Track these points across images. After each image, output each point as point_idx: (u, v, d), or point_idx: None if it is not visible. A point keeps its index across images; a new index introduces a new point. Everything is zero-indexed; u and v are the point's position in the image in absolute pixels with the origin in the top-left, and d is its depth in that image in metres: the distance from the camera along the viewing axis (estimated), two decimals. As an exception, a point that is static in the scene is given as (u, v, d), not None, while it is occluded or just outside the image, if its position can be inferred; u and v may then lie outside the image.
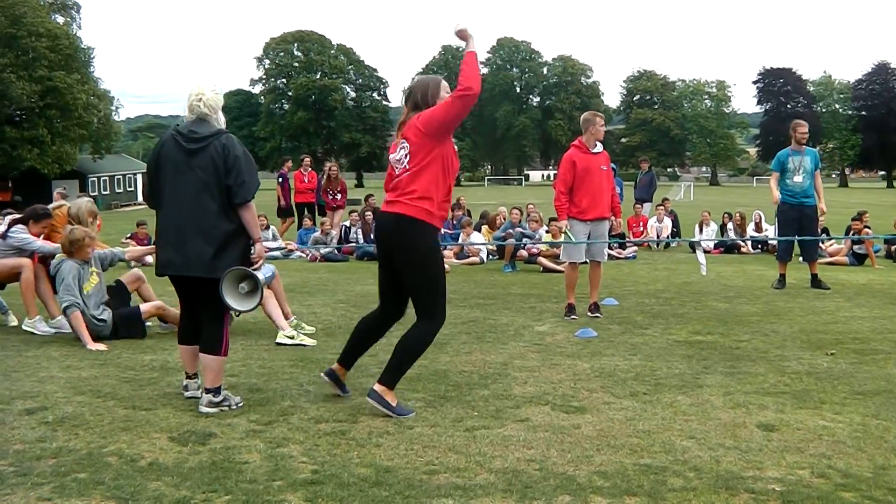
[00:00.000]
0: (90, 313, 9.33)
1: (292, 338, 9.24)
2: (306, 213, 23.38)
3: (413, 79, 6.78)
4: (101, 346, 8.96)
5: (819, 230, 14.84)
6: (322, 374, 6.98)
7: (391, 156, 6.69)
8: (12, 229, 10.23)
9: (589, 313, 11.00)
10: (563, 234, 11.18)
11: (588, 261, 11.16)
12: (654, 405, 6.73)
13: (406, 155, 6.49)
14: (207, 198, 6.32)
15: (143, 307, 9.78)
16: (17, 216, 10.74)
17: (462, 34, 6.59)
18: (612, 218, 11.23)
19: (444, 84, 7.10)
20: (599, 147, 11.18)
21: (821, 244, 20.12)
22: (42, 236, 10.35)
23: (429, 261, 6.46)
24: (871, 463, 5.40)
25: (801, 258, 15.36)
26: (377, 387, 6.47)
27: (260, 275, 6.46)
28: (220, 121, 6.58)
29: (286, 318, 9.78)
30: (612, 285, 14.42)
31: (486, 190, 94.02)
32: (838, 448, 5.71)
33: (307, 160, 24.29)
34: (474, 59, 6.51)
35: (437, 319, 6.58)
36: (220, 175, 6.29)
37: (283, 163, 25.78)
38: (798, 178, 13.97)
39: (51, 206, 11.16)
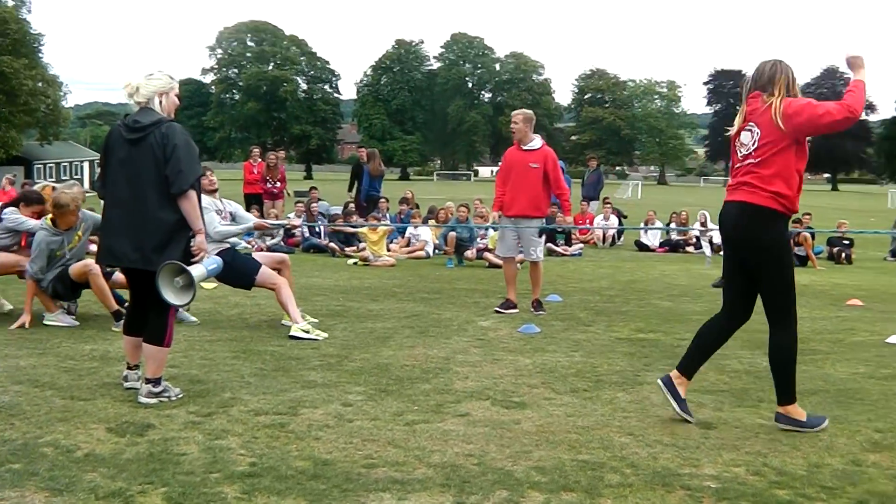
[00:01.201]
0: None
1: (308, 332, 9.14)
2: (255, 204, 23.22)
3: (764, 61, 6.45)
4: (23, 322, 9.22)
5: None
6: (659, 381, 6.58)
7: (738, 141, 6.38)
8: (4, 211, 10.19)
9: (532, 310, 11.04)
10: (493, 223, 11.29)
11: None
12: (594, 402, 6.78)
13: (754, 141, 6.18)
14: (148, 188, 6.28)
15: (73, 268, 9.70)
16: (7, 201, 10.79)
17: (856, 62, 6.29)
18: (562, 216, 11.27)
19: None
20: (535, 144, 11.24)
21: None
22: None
23: (782, 257, 6.26)
24: (806, 461, 5.47)
25: None
26: (780, 409, 6.28)
27: (195, 270, 6.40)
28: (164, 104, 6.52)
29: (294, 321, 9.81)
30: (557, 282, 14.49)
31: (435, 185, 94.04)
32: (774, 446, 5.78)
33: (256, 150, 24.08)
34: (864, 88, 6.16)
35: (790, 325, 6.41)
36: (159, 165, 6.25)
37: (249, 153, 25.48)
38: None
39: (38, 185, 11.20)
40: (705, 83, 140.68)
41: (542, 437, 5.78)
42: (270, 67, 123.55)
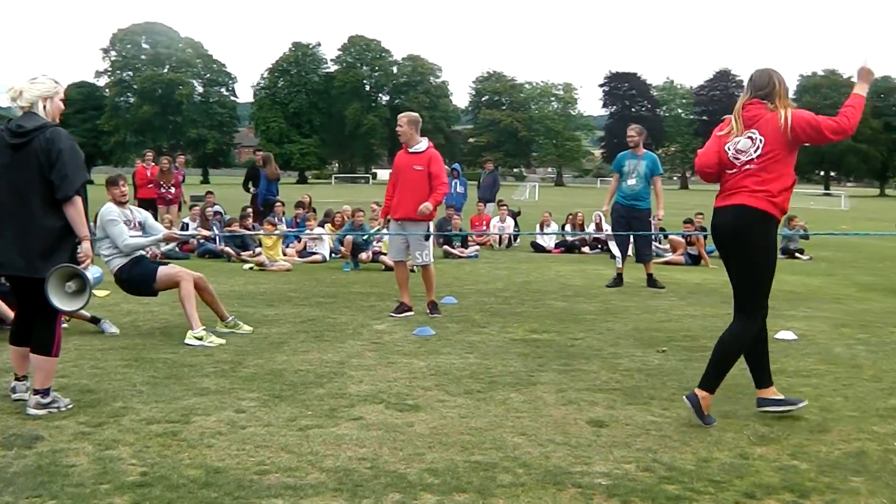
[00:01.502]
0: None
1: (201, 339, 9.06)
2: (148, 209, 22.90)
3: (761, 70, 6.56)
4: None
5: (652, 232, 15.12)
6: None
7: (731, 145, 6.53)
8: None
9: (427, 312, 11.07)
10: (378, 228, 11.29)
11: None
12: (488, 402, 6.82)
13: (757, 148, 6.37)
14: (32, 194, 6.17)
15: None
16: None
17: (867, 76, 6.41)
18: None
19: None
20: (420, 147, 11.23)
21: (657, 244, 20.62)
22: None
23: (768, 256, 6.60)
24: (695, 456, 5.58)
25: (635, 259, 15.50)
26: (698, 391, 6.41)
27: (88, 274, 6.31)
28: (48, 109, 6.41)
29: (222, 318, 9.82)
30: (453, 284, 14.54)
31: (333, 188, 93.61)
32: (664, 442, 5.88)
33: (150, 154, 23.74)
34: (863, 104, 6.31)
35: (758, 319, 6.69)
36: (44, 170, 6.14)
37: (143, 157, 24.96)
38: (631, 181, 14.23)
39: None
40: (601, 85, 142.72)
41: (435, 440, 5.81)
42: (166, 70, 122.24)
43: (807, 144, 6.55)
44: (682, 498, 4.82)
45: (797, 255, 21.65)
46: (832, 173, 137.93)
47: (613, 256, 14.79)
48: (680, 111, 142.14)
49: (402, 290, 11.28)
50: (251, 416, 6.32)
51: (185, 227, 20.74)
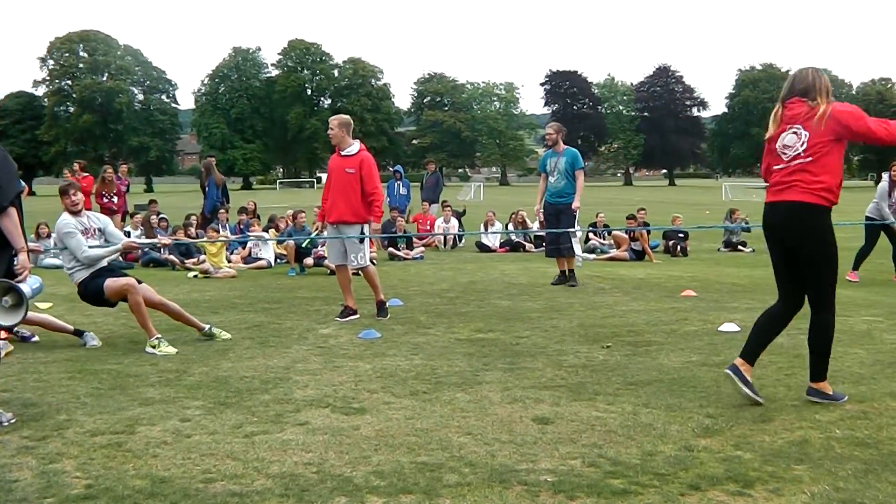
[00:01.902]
0: None
1: (154, 347, 9.02)
2: None
3: (801, 69, 6.83)
4: None
5: (576, 227, 15.10)
6: (727, 370, 6.85)
7: (779, 142, 6.79)
8: None
9: (375, 314, 11.08)
10: (316, 233, 11.23)
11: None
12: (434, 403, 6.83)
13: (803, 143, 6.59)
14: None
15: None
16: None
17: None
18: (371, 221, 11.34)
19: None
20: (352, 149, 11.31)
21: (601, 240, 20.77)
22: None
23: (833, 247, 6.76)
24: (640, 450, 5.62)
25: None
26: (813, 385, 6.86)
27: (26, 287, 6.25)
28: None
29: (199, 329, 9.76)
30: (398, 286, 14.54)
31: (278, 193, 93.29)
32: (609, 437, 5.92)
33: (78, 165, 23.52)
34: None
35: (833, 306, 6.87)
36: None
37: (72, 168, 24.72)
38: (553, 179, 14.47)
39: None
40: (542, 84, 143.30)
41: (381, 442, 5.81)
42: (105, 78, 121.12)
43: (858, 141, 6.75)
44: (628, 492, 4.85)
45: (740, 247, 21.88)
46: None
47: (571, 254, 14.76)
48: (621, 108, 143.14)
49: (345, 293, 11.26)
50: (196, 425, 6.28)
51: (127, 235, 20.55)
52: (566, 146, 14.59)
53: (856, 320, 10.62)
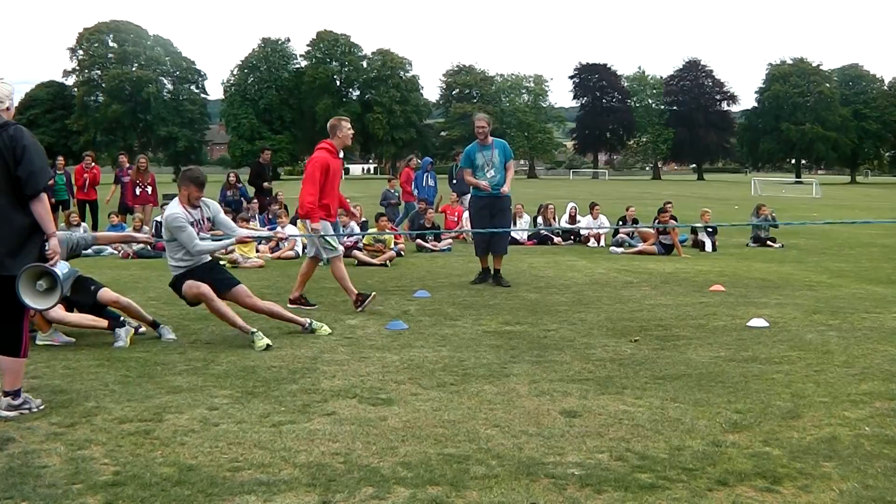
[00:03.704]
0: None
1: (252, 343, 8.84)
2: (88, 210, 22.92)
3: None
4: None
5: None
6: None
7: None
8: None
9: (357, 308, 11.02)
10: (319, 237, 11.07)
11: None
12: (461, 395, 6.83)
13: None
14: None
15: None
16: None
17: None
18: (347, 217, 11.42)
19: None
20: (342, 152, 11.52)
21: (629, 237, 20.71)
22: None
23: None
24: (668, 445, 5.60)
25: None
26: None
27: (58, 271, 6.28)
28: (10, 109, 6.33)
29: (301, 325, 9.67)
30: (426, 277, 14.56)
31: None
32: (637, 431, 5.90)
33: (89, 156, 23.64)
34: None
35: None
36: (9, 168, 6.08)
37: (82, 159, 24.85)
38: (491, 173, 13.60)
39: None
40: (571, 77, 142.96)
41: (408, 433, 5.82)
42: (134, 68, 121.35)
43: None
44: (655, 486, 4.84)
45: (769, 243, 21.74)
46: (803, 161, 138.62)
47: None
48: (650, 101, 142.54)
49: (344, 285, 11.25)
50: (224, 414, 6.30)
51: (157, 225, 20.63)
52: (493, 138, 13.91)
53: (886, 317, 10.55)
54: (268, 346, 8.67)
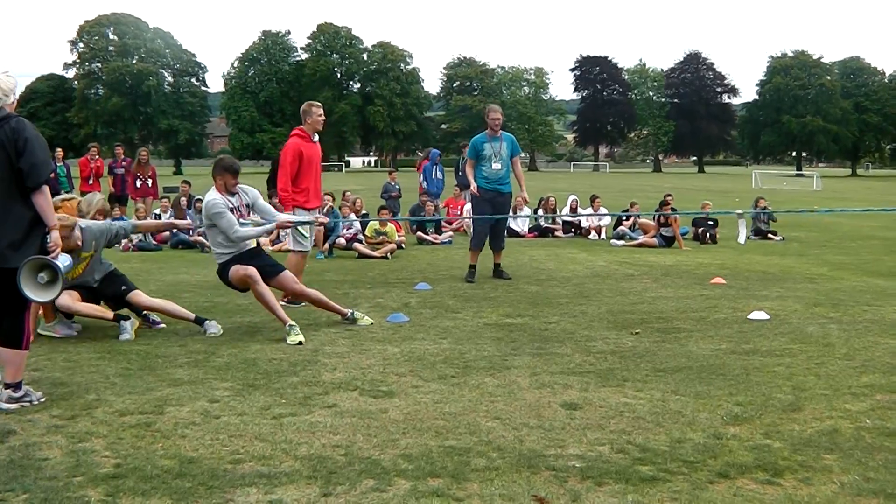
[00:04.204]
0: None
1: (287, 335, 8.81)
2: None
3: None
4: None
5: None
6: None
7: None
8: None
9: (287, 301, 10.73)
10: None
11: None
12: (462, 387, 6.84)
13: None
14: (0, 183, 6.11)
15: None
16: None
17: None
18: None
19: None
20: (316, 137, 11.50)
21: (630, 230, 20.70)
22: None
23: None
24: (668, 437, 5.60)
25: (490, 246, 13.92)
26: None
27: (59, 263, 6.27)
28: (12, 103, 6.32)
29: (342, 315, 9.66)
30: (427, 270, 14.57)
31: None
32: (638, 424, 5.91)
33: (94, 148, 23.63)
34: None
35: None
36: (11, 160, 6.07)
37: (87, 150, 24.76)
38: (497, 165, 13.41)
39: (58, 198, 10.19)
40: (572, 69, 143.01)
41: (409, 425, 5.82)
42: (134, 61, 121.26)
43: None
44: (656, 479, 4.84)
45: (770, 235, 21.74)
46: (804, 154, 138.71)
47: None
48: (651, 94, 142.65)
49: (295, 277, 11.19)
50: (225, 406, 6.30)
51: (157, 217, 20.65)
52: (502, 131, 13.70)
53: (887, 310, 10.54)
54: (300, 342, 8.63)
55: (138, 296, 9.31)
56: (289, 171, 11.17)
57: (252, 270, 9.09)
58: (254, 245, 9.56)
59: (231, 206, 9.25)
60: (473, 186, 13.33)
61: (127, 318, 9.11)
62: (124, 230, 9.82)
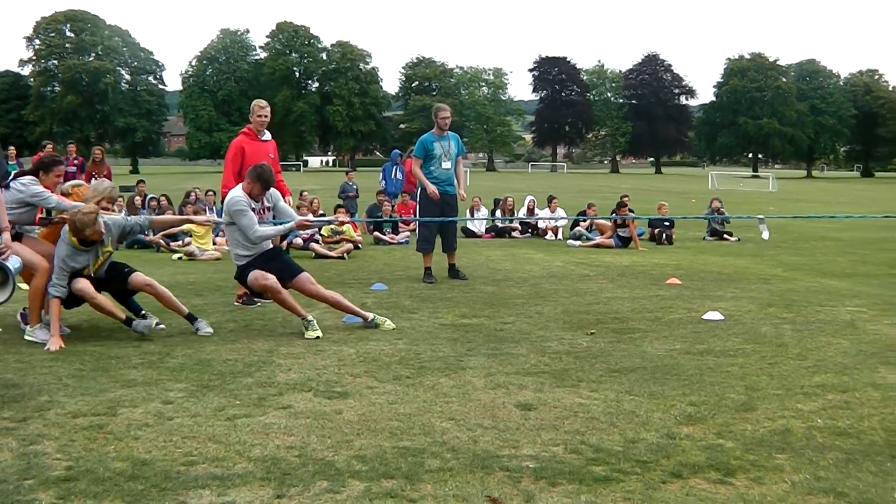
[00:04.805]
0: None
1: (306, 329, 8.96)
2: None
3: None
4: (58, 345, 8.32)
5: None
6: None
7: None
8: (22, 179, 8.91)
9: (242, 303, 10.89)
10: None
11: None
12: (417, 388, 6.83)
13: None
14: None
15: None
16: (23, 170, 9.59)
17: None
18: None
19: None
20: (268, 135, 11.60)
21: (587, 230, 20.78)
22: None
23: None
24: (622, 437, 5.63)
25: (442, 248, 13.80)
26: None
27: (10, 265, 6.22)
28: None
29: (364, 318, 9.53)
30: (384, 270, 14.57)
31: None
32: (592, 424, 5.93)
33: (49, 147, 23.46)
34: None
35: None
36: None
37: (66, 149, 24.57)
38: (447, 165, 13.32)
39: (68, 184, 9.97)
40: (530, 70, 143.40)
41: (363, 426, 5.81)
42: (91, 58, 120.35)
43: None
44: (610, 479, 4.86)
45: (725, 236, 21.90)
46: (760, 155, 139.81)
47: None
48: (609, 95, 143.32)
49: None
50: (178, 407, 6.26)
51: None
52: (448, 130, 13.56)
53: (840, 310, 10.65)
54: (317, 337, 8.74)
55: (138, 276, 9.26)
56: (230, 167, 11.27)
57: (272, 282, 9.13)
58: (271, 246, 9.58)
59: (253, 206, 9.33)
60: (432, 188, 13.12)
61: (145, 317, 9.11)
62: (139, 225, 9.71)
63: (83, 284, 8.64)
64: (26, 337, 8.75)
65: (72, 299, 8.92)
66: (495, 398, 6.55)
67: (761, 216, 13.62)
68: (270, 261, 9.37)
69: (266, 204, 9.54)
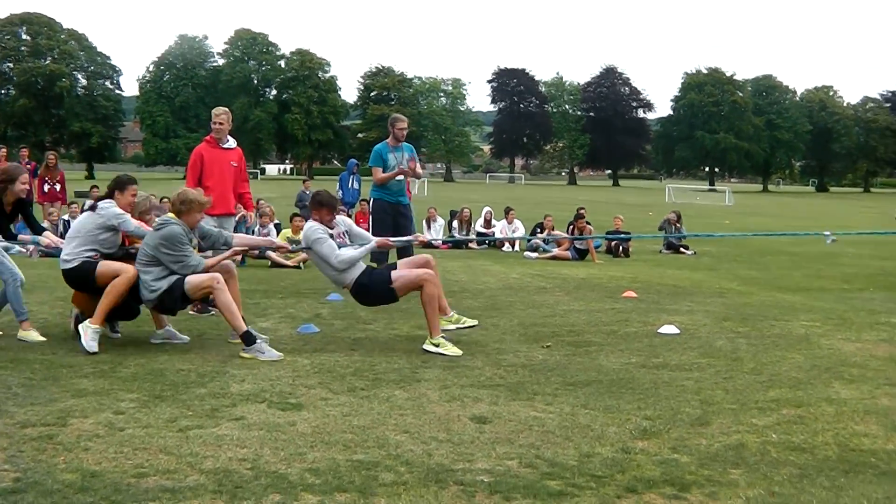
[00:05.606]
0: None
1: (437, 345, 8.77)
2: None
3: None
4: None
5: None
6: None
7: None
8: (101, 203, 9.12)
9: (197, 311, 10.76)
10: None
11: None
12: (371, 400, 6.79)
13: None
14: None
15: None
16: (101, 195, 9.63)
17: None
18: (245, 213, 11.54)
19: None
20: (231, 143, 11.57)
21: (544, 242, 20.82)
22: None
23: None
24: (577, 451, 5.61)
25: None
26: None
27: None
28: None
29: (444, 313, 9.38)
30: (341, 281, 14.50)
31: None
32: (547, 438, 5.91)
33: (24, 152, 23.25)
34: None
35: None
36: None
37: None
38: (400, 176, 13.18)
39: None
40: (489, 81, 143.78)
41: (317, 438, 5.76)
42: (47, 62, 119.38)
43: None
44: (564, 494, 4.84)
45: (682, 249, 22.01)
46: (716, 169, 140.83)
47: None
48: (568, 107, 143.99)
49: None
50: (130, 418, 6.18)
51: (66, 224, 20.29)
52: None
53: (794, 325, 10.70)
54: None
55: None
56: (189, 175, 11.39)
57: (427, 273, 9.15)
58: (364, 266, 9.45)
59: (330, 232, 9.30)
60: (400, 171, 13.01)
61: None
62: (224, 238, 9.47)
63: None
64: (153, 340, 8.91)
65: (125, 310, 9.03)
66: (450, 411, 6.52)
67: (827, 232, 13.84)
68: (375, 273, 9.39)
69: (341, 230, 9.52)
